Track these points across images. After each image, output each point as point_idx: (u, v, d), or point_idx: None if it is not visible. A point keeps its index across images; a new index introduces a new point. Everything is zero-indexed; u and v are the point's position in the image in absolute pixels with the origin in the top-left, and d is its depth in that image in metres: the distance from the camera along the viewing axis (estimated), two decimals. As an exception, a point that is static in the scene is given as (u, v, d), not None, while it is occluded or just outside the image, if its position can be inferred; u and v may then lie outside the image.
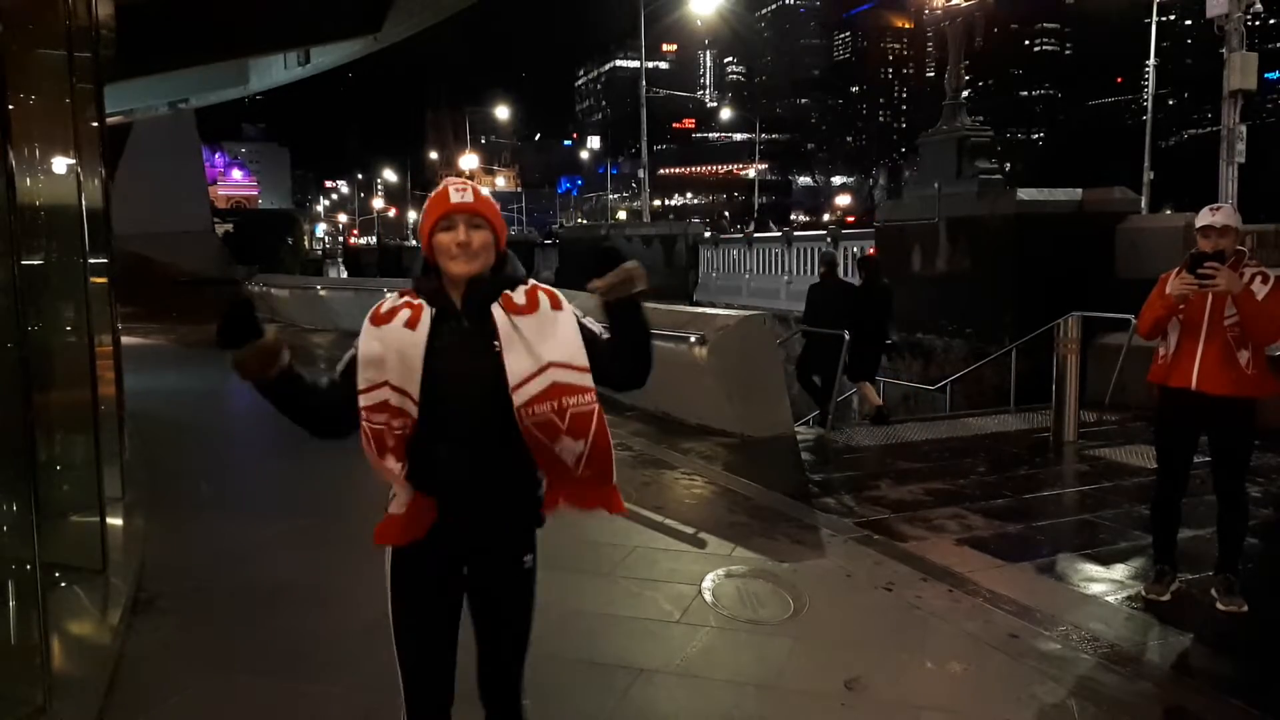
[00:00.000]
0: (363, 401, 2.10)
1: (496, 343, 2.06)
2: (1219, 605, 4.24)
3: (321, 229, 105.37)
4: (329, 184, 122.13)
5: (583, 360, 2.09)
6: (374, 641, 3.98)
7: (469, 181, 2.15)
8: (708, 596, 4.49)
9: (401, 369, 2.06)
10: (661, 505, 6.13)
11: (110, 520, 4.62)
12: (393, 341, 2.07)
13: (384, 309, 2.12)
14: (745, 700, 3.54)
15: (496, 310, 2.09)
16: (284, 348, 2.06)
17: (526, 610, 2.31)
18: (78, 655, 3.71)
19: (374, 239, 70.60)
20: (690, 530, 5.57)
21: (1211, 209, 4.20)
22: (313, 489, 6.60)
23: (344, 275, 42.88)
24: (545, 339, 2.08)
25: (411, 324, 2.08)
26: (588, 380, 2.09)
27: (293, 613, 4.28)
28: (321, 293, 19.79)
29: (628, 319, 2.11)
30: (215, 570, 4.84)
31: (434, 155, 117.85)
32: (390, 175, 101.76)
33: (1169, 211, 19.38)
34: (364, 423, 2.12)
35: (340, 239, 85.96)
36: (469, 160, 64.87)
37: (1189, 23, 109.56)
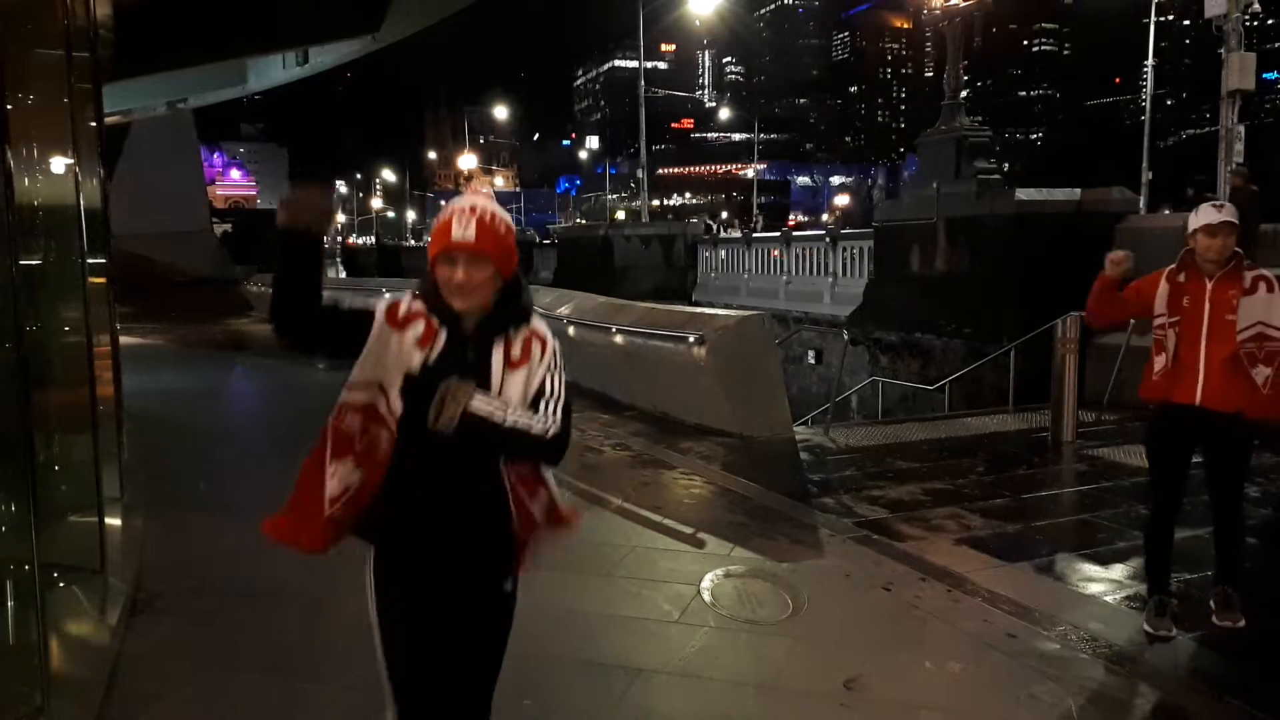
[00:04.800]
0: (352, 397, 2.10)
1: (486, 387, 2.05)
2: (1216, 620, 4.08)
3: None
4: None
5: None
6: (367, 644, 4.01)
7: (478, 205, 2.07)
8: (706, 596, 4.49)
9: (399, 382, 2.04)
10: (660, 505, 6.13)
11: (109, 520, 4.62)
12: (404, 352, 2.05)
13: (401, 313, 2.08)
14: (744, 700, 3.54)
15: (496, 359, 2.08)
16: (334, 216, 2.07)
17: (503, 634, 2.28)
18: (76, 655, 3.71)
19: (373, 239, 70.51)
20: (689, 530, 5.57)
21: (1215, 205, 3.93)
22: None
23: (342, 275, 42.85)
24: (517, 395, 2.08)
25: (423, 342, 2.05)
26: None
27: (291, 612, 4.28)
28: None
29: (478, 439, 2.00)
30: (214, 570, 4.84)
31: (433, 155, 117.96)
32: (389, 175, 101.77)
33: (1167, 211, 19.39)
34: (336, 420, 2.10)
35: (340, 239, 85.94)
36: (468, 160, 64.85)
37: (1187, 23, 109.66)
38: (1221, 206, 3.93)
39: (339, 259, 53.31)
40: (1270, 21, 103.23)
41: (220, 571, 4.82)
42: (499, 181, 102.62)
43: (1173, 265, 4.04)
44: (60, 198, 4.63)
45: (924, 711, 3.44)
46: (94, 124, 5.58)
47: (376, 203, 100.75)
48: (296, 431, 2.27)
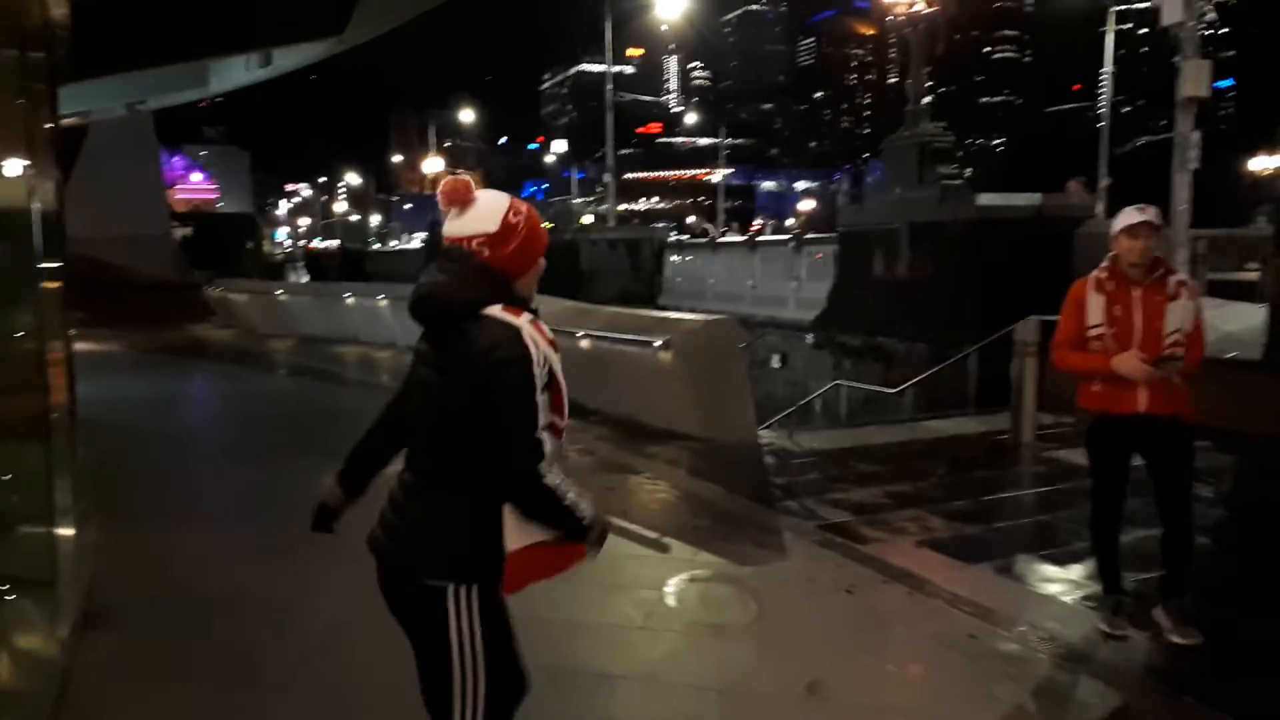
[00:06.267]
0: (554, 419, 2.10)
1: None
2: (1175, 638, 3.96)
3: (283, 232, 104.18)
4: (290, 187, 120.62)
5: None
6: (331, 650, 3.97)
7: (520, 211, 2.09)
8: (671, 601, 4.49)
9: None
10: (626, 510, 6.12)
11: (61, 531, 4.52)
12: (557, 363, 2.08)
13: (546, 333, 2.07)
14: (708, 704, 3.54)
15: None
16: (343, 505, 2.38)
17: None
18: (24, 669, 3.62)
19: (337, 243, 69.78)
20: (654, 535, 5.57)
21: (1139, 208, 3.94)
22: (269, 497, 6.51)
23: (305, 280, 42.43)
24: None
25: (555, 346, 2.09)
26: None
27: (248, 622, 4.22)
28: (281, 297, 19.55)
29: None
30: (169, 581, 4.76)
31: (398, 158, 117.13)
32: (354, 178, 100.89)
33: (1124, 217, 19.76)
34: (550, 434, 2.08)
35: (299, 243, 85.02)
36: (433, 163, 64.41)
37: (1144, 31, 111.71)
38: (1143, 208, 3.95)
39: (302, 264, 52.76)
40: (1225, 30, 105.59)
41: (176, 581, 4.74)
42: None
43: (1097, 271, 4.07)
44: (14, 200, 4.53)
45: (886, 714, 3.46)
46: (50, 125, 5.47)
47: (340, 206, 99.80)
48: (255, 439, 2.24)
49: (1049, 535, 5.62)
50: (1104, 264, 4.07)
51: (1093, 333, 4.03)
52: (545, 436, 1.98)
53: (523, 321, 1.97)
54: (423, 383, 2.08)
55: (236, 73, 28.12)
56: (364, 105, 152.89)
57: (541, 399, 1.97)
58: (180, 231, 31.88)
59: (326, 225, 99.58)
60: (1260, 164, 40.53)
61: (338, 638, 4.01)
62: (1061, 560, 5.12)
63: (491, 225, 2.01)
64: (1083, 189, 12.58)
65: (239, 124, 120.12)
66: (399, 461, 2.21)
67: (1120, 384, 3.93)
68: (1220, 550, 5.35)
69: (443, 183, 2.02)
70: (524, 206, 2.07)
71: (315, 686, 3.57)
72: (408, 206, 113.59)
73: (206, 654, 3.92)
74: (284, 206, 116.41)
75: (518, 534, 2.02)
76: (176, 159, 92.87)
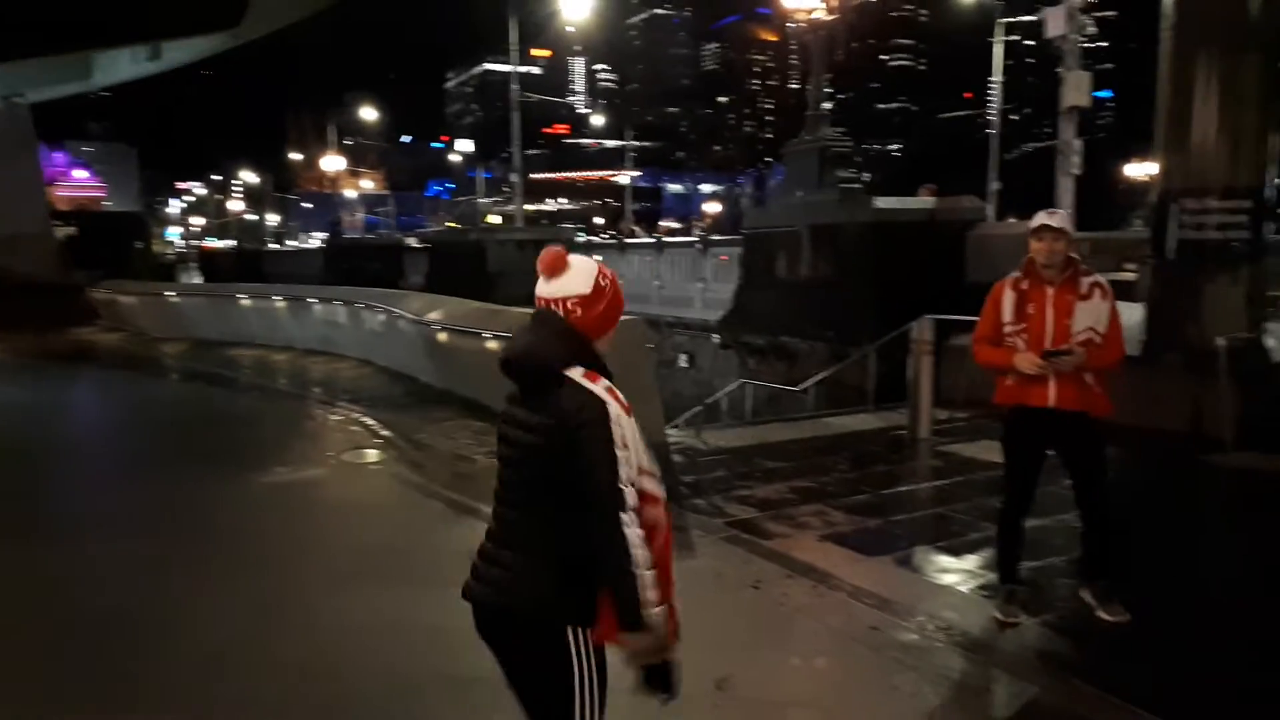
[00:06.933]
0: (648, 487, 2.14)
1: None
2: (1103, 615, 4.20)
3: (175, 232, 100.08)
4: (182, 185, 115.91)
5: None
6: (215, 672, 3.81)
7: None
8: (579, 603, 4.46)
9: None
10: (533, 512, 6.07)
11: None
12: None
13: (622, 400, 2.14)
14: (616, 707, 3.50)
15: None
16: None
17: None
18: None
19: (233, 242, 67.26)
20: (562, 537, 5.53)
21: (1048, 212, 4.19)
22: (158, 509, 6.25)
23: (199, 281, 40.79)
24: None
25: (629, 411, 2.15)
26: None
27: (129, 642, 4.03)
28: (173, 299, 18.78)
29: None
30: (46, 599, 4.51)
31: (297, 156, 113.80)
32: (250, 177, 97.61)
33: (1013, 220, 20.54)
34: (641, 515, 2.10)
35: (193, 243, 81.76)
36: (333, 162, 62.77)
37: (1031, 43, 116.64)
38: (1053, 213, 4.18)
39: (197, 264, 50.72)
40: (1104, 44, 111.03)
41: (53, 599, 4.50)
42: (367, 184, 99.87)
43: (1015, 272, 4.27)
44: None
45: (792, 708, 3.51)
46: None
47: (237, 205, 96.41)
48: (144, 448, 2.13)
49: (945, 527, 5.79)
50: (1022, 264, 4.25)
51: (1008, 329, 4.21)
52: (629, 490, 2.07)
53: (600, 387, 2.14)
54: (516, 443, 2.21)
55: (123, 66, 26.91)
56: (261, 102, 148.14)
57: (622, 454, 2.08)
58: (63, 231, 30.23)
59: (222, 224, 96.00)
60: (1136, 170, 42.77)
61: (221, 658, 3.87)
62: (957, 551, 5.29)
63: (585, 288, 2.20)
64: (932, 194, 13.31)
65: (127, 120, 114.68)
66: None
67: (1031, 379, 4.10)
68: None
69: (543, 253, 2.22)
70: (609, 272, 2.26)
71: (197, 708, 3.43)
72: (306, 205, 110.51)
73: (84, 675, 3.73)
74: (176, 205, 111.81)
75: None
76: (58, 155, 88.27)
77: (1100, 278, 4.19)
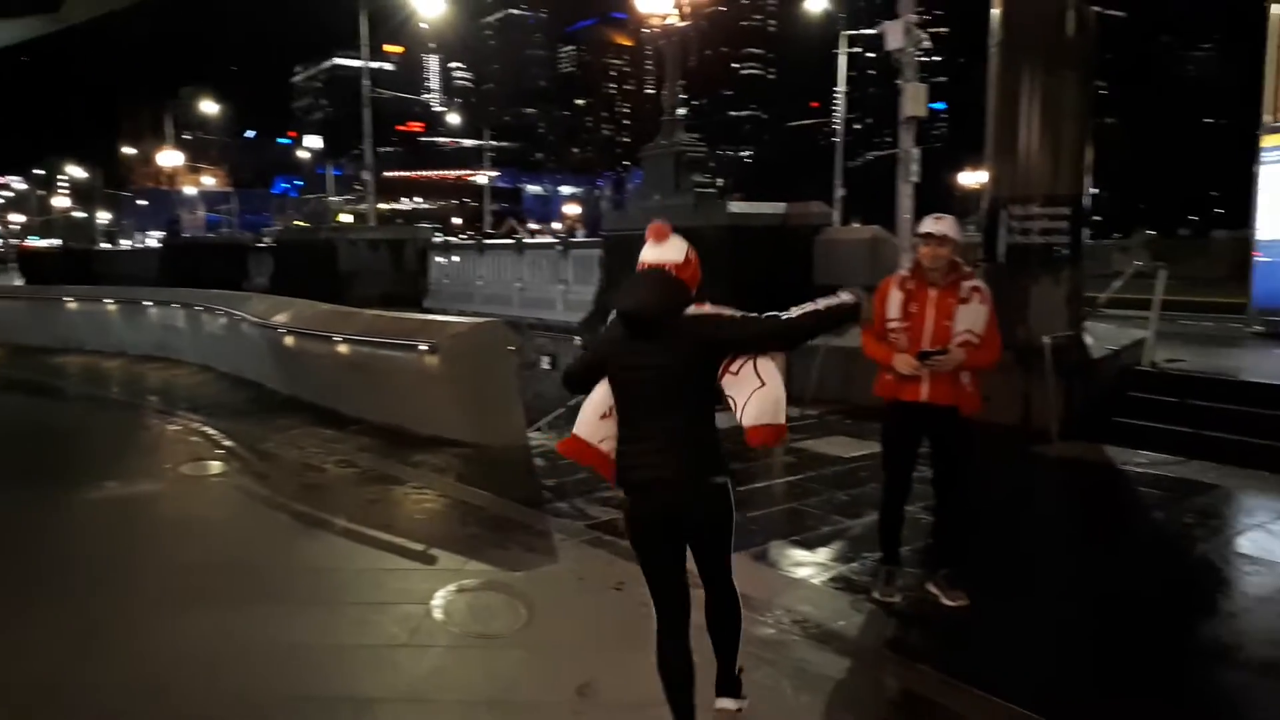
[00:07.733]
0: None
1: None
2: (945, 601, 4.43)
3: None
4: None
5: None
6: (21, 711, 3.52)
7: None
8: (438, 614, 4.36)
9: None
10: (390, 523, 5.91)
11: None
12: None
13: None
14: (476, 719, 3.46)
15: None
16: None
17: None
18: None
19: (59, 242, 62.37)
20: (420, 547, 5.40)
21: (935, 218, 4.35)
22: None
23: (19, 283, 37.68)
24: None
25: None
26: None
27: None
28: (-15, 303, 17.30)
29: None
30: None
31: (131, 150, 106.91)
32: (78, 171, 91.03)
33: (857, 224, 21.46)
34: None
35: (12, 242, 75.58)
36: (169, 157, 59.17)
37: (873, 55, 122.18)
38: (939, 219, 4.35)
39: (16, 264, 46.83)
40: (939, 58, 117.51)
41: None
42: (208, 181, 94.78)
43: (902, 270, 4.48)
44: None
45: (650, 708, 3.52)
46: None
47: (63, 201, 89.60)
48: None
49: (800, 521, 5.96)
50: (909, 264, 4.44)
51: (891, 325, 4.37)
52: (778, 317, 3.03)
53: (709, 309, 3.02)
54: (645, 370, 2.96)
55: (-77, 47, 24.56)
56: (90, 92, 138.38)
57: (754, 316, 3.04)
58: None
59: (46, 223, 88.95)
60: (969, 179, 45.39)
61: (37, 691, 3.58)
62: (811, 545, 5.46)
63: (680, 257, 3.06)
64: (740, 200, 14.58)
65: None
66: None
67: (907, 376, 4.29)
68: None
69: (652, 224, 3.13)
70: (692, 249, 3.12)
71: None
72: (142, 203, 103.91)
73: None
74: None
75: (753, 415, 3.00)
76: None
77: (980, 283, 4.38)
